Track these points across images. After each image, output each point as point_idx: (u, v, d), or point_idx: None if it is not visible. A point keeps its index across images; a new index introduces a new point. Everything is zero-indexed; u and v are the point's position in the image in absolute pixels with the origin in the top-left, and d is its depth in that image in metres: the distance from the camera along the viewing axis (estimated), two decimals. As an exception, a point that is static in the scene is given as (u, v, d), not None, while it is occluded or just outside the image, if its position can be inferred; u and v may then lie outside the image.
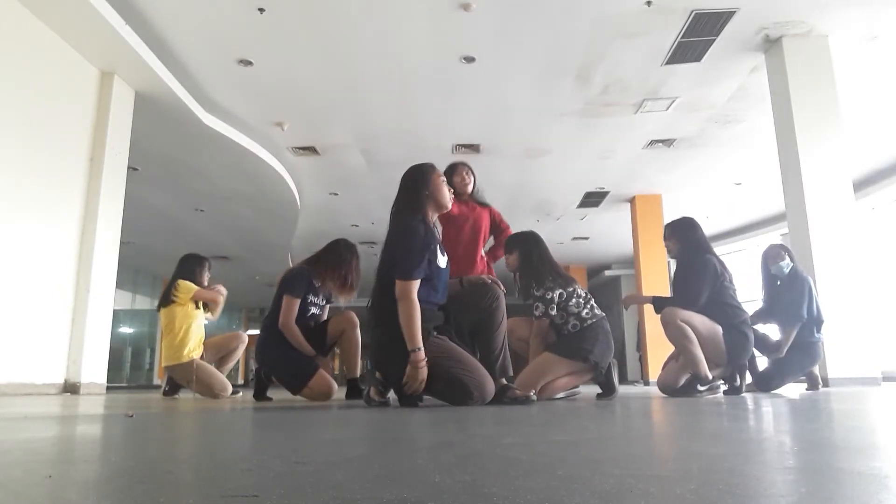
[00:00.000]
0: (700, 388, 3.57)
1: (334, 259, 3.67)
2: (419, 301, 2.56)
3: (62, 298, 4.91)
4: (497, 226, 3.94)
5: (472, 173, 3.84)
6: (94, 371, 5.06)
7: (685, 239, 3.90)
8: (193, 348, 4.30)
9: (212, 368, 4.33)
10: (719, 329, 3.64)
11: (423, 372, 2.50)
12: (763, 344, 4.20)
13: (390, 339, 2.62)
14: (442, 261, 2.74)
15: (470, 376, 2.55)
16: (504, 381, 2.76)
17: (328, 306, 3.84)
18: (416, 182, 2.78)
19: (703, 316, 3.63)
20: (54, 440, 1.35)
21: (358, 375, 3.74)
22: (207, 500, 0.63)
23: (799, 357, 4.19)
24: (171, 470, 0.86)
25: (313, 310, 3.68)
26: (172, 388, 4.43)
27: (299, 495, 0.64)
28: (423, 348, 2.51)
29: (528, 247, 3.42)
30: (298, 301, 3.55)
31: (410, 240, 2.62)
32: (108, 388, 5.36)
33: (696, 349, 3.55)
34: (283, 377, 3.65)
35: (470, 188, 3.81)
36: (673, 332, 3.60)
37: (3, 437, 1.38)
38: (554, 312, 3.27)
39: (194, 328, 4.34)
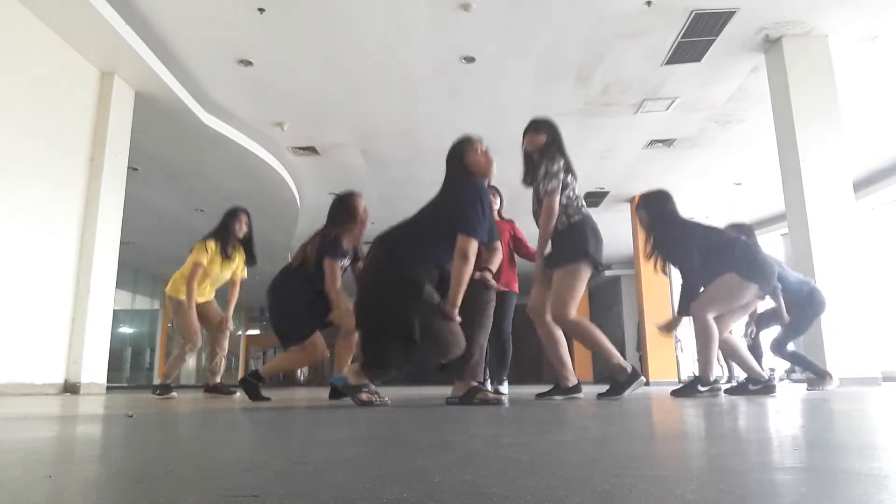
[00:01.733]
0: (701, 388, 3.59)
1: (341, 211, 3.73)
2: (438, 258, 2.63)
3: (62, 299, 4.91)
4: (517, 239, 4.35)
5: (500, 195, 4.37)
6: (94, 371, 5.06)
7: (653, 211, 3.90)
8: (174, 283, 4.42)
9: (191, 317, 4.38)
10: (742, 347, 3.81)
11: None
12: (770, 317, 4.40)
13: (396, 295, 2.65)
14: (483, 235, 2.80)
15: (452, 338, 2.60)
16: (474, 382, 2.75)
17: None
18: (456, 155, 2.88)
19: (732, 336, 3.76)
20: (54, 440, 1.35)
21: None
22: (207, 500, 0.63)
23: (801, 311, 4.39)
24: (171, 470, 0.86)
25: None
26: (164, 388, 4.42)
27: (299, 495, 0.64)
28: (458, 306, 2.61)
29: (556, 135, 3.45)
30: (339, 262, 3.57)
31: (475, 196, 2.70)
32: (108, 388, 5.36)
33: (710, 353, 3.58)
34: (281, 324, 3.62)
35: (496, 206, 4.25)
36: (698, 327, 3.63)
37: (3, 437, 1.38)
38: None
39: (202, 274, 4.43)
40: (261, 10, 4.93)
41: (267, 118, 7.03)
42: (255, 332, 25.24)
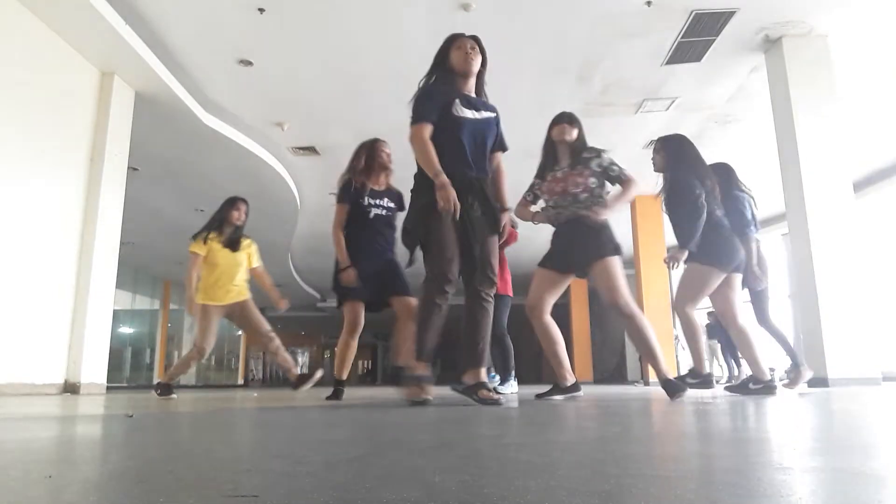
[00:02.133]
0: (691, 380, 3.66)
1: (353, 156, 3.85)
2: (445, 166, 2.66)
3: (62, 298, 4.91)
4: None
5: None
6: (94, 371, 5.06)
7: (669, 154, 4.00)
8: (198, 291, 4.43)
9: (207, 325, 4.42)
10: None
11: (452, 193, 2.60)
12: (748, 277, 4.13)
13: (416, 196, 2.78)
14: (466, 112, 2.81)
15: (442, 249, 2.66)
16: (478, 376, 2.74)
17: (397, 213, 3.83)
18: (438, 53, 2.95)
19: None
20: (54, 440, 1.35)
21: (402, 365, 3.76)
22: (207, 500, 0.63)
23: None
24: (171, 470, 0.86)
25: (375, 211, 3.72)
26: (165, 388, 4.42)
27: (299, 495, 0.64)
28: (443, 173, 2.62)
29: (582, 131, 3.53)
30: (344, 207, 3.66)
31: (417, 92, 2.86)
32: (108, 388, 5.36)
33: (697, 345, 3.66)
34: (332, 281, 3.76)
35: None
36: (681, 322, 3.70)
37: (3, 437, 1.38)
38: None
39: (201, 272, 4.47)
40: (261, 10, 4.92)
41: (267, 118, 7.02)
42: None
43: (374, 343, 29.94)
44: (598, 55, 5.72)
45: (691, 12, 5.02)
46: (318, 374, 4.53)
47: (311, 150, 7.93)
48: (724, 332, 11.03)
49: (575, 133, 3.43)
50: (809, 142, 5.05)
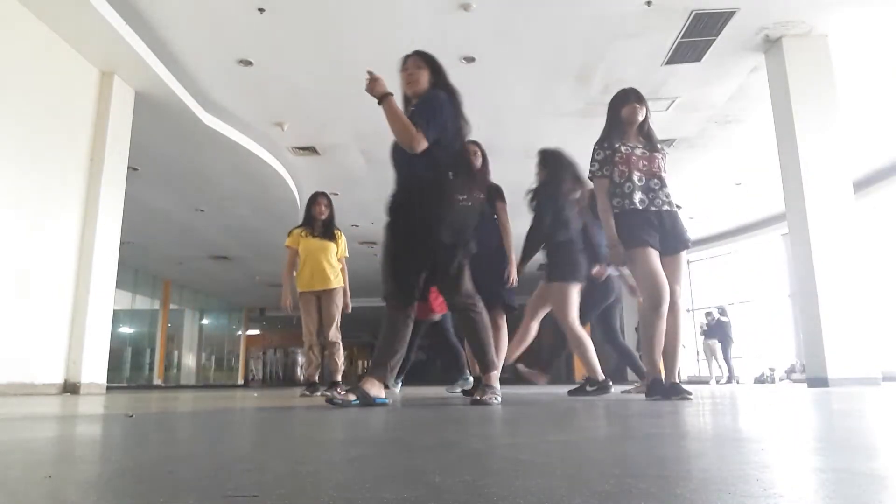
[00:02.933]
0: (589, 388, 3.93)
1: None
2: None
3: (62, 298, 4.91)
4: None
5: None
6: (94, 371, 5.05)
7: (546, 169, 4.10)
8: (297, 278, 4.84)
9: (302, 314, 4.79)
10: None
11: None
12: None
13: None
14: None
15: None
16: (489, 381, 2.78)
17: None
18: None
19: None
20: (54, 440, 1.35)
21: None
22: (207, 500, 0.63)
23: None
24: (171, 470, 0.86)
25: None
26: (310, 387, 4.68)
27: (300, 495, 0.64)
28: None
29: (648, 109, 3.57)
30: None
31: None
32: (108, 388, 5.36)
33: (590, 355, 3.94)
34: None
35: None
36: (570, 338, 3.95)
37: (3, 437, 1.38)
38: None
39: (298, 262, 4.85)
40: (261, 10, 4.92)
41: (267, 118, 7.02)
42: (255, 332, 25.24)
43: (373, 343, 29.95)
44: (598, 55, 5.72)
45: (691, 12, 5.02)
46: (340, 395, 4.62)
47: (311, 150, 7.93)
48: (723, 332, 11.08)
49: (644, 112, 3.29)
50: (809, 141, 5.05)
